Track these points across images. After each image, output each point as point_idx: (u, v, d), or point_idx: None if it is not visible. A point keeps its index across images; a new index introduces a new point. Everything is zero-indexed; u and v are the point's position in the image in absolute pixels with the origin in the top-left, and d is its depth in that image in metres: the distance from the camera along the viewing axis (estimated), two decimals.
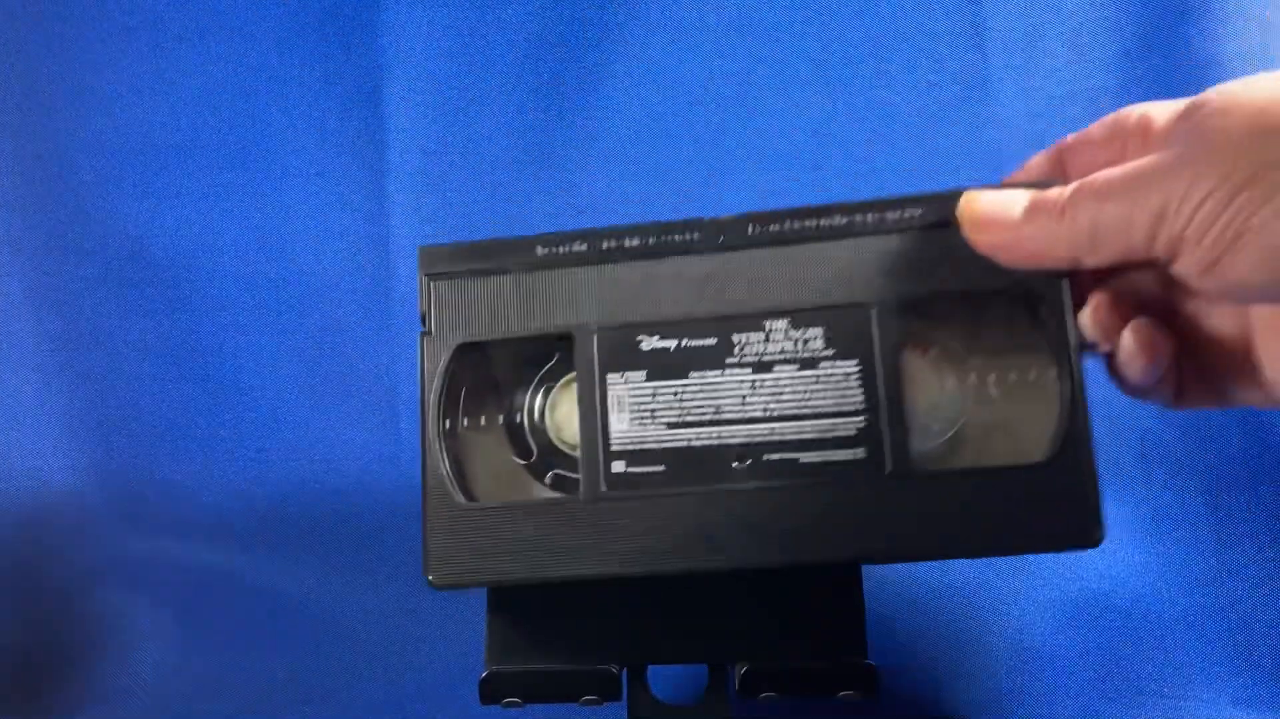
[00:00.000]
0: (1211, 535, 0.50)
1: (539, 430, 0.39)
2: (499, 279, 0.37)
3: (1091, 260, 0.30)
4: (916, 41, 0.55)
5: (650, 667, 0.39)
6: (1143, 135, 0.33)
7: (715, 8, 0.56)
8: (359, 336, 0.55)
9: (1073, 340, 0.34)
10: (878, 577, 0.43)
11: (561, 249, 0.37)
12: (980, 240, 0.33)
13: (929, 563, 0.46)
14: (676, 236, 0.37)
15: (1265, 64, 0.50)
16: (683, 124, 0.56)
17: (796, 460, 0.35)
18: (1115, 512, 0.52)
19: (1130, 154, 0.32)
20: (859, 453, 0.34)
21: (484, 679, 0.37)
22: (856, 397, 0.35)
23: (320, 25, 0.57)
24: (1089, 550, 0.34)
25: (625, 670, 0.38)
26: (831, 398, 0.35)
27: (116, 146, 0.56)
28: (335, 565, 0.52)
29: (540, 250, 0.37)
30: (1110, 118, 0.34)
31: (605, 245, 0.37)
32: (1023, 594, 0.49)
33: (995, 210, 0.32)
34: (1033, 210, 0.31)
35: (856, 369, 0.35)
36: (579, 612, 0.38)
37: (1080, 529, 0.33)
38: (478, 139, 0.56)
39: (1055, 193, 0.31)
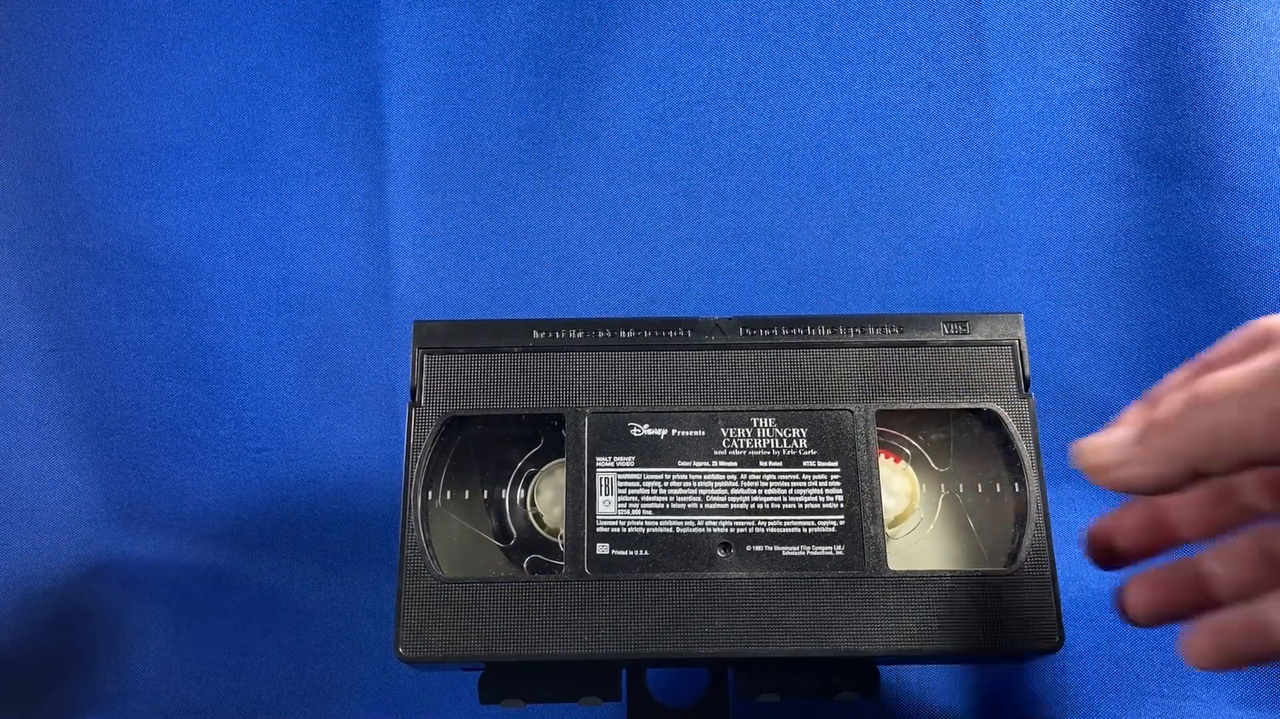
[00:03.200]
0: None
1: (520, 515, 0.39)
2: (492, 358, 0.38)
3: (1217, 467, 0.28)
4: (916, 41, 0.55)
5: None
6: (1265, 340, 0.30)
7: (715, 8, 0.56)
8: (359, 336, 0.55)
9: (1030, 458, 0.36)
10: None
11: (557, 334, 0.38)
12: (1105, 481, 0.30)
13: None
14: (671, 333, 0.38)
15: (1265, 65, 0.50)
16: (683, 124, 0.56)
17: (779, 553, 0.36)
18: None
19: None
20: (838, 549, 0.35)
21: (484, 679, 0.37)
22: (837, 496, 0.36)
23: (320, 25, 0.57)
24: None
25: (625, 670, 0.38)
26: (813, 495, 0.36)
27: (116, 146, 0.56)
28: (335, 565, 0.52)
29: (536, 334, 0.38)
30: (1246, 329, 0.31)
31: (600, 335, 0.38)
32: None
33: (1109, 450, 0.30)
34: (1147, 433, 0.29)
35: (837, 470, 0.36)
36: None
37: (1043, 637, 0.34)
38: (478, 139, 0.56)
39: (1165, 409, 0.29)
